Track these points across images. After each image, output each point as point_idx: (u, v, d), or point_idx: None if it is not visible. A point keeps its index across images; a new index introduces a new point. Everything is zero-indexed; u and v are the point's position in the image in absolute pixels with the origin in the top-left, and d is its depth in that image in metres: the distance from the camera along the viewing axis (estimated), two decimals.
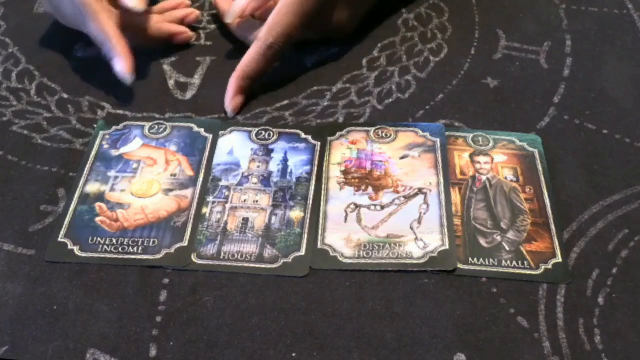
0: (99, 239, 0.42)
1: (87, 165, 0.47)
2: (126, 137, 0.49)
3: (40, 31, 0.58)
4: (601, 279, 0.41)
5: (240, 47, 0.57)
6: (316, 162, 0.47)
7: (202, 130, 0.49)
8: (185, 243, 0.42)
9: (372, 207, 0.44)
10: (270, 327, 0.38)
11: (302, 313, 0.39)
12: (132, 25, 0.53)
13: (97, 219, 0.44)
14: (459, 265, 0.41)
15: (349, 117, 0.51)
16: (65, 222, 0.43)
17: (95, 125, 0.50)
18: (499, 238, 0.43)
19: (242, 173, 0.46)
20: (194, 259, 0.41)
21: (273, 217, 0.44)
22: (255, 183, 0.46)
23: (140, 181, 0.46)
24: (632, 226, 0.44)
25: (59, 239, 0.42)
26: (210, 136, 0.49)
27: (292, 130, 0.49)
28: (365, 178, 0.46)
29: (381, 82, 0.54)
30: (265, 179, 0.46)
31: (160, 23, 0.56)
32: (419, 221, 0.43)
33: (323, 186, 0.46)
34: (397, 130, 0.49)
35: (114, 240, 0.42)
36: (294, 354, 0.37)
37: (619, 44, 0.57)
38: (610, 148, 0.49)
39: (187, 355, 0.37)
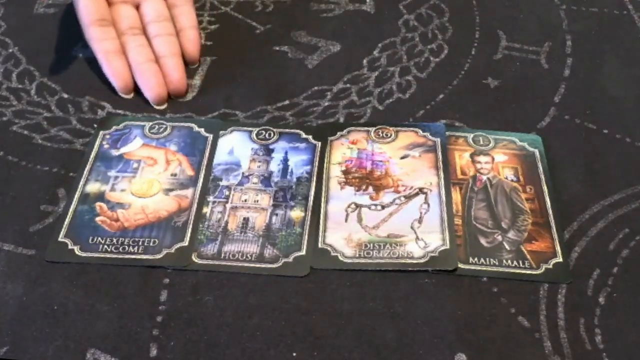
0: (99, 239, 0.42)
1: (88, 165, 0.47)
2: (126, 137, 0.49)
3: (40, 31, 0.58)
4: (602, 279, 0.41)
5: (241, 48, 0.57)
6: (317, 162, 0.47)
7: (202, 130, 0.49)
8: (185, 243, 0.42)
9: (373, 207, 0.44)
10: (271, 327, 0.38)
11: (302, 313, 0.39)
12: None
13: (98, 219, 0.43)
14: (460, 265, 0.41)
15: (349, 117, 0.51)
16: (66, 222, 0.43)
17: (95, 125, 0.50)
18: (499, 238, 0.43)
19: (243, 173, 0.46)
20: (194, 259, 0.41)
21: (274, 217, 0.44)
22: (256, 183, 0.46)
23: (141, 181, 0.46)
24: (633, 226, 0.44)
25: (60, 239, 0.42)
26: (210, 136, 0.49)
27: (292, 130, 0.49)
28: (365, 178, 0.46)
29: (382, 83, 0.54)
30: (265, 179, 0.46)
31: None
32: (420, 221, 0.43)
33: (324, 186, 0.46)
34: (397, 130, 0.49)
35: (114, 240, 0.42)
36: (294, 354, 0.37)
37: (619, 44, 0.57)
38: (610, 148, 0.49)
39: (187, 355, 0.37)
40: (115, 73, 0.51)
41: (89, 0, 0.51)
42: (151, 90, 0.51)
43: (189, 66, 0.54)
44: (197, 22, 0.55)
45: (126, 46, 0.52)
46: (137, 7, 0.55)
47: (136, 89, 0.52)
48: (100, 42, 0.52)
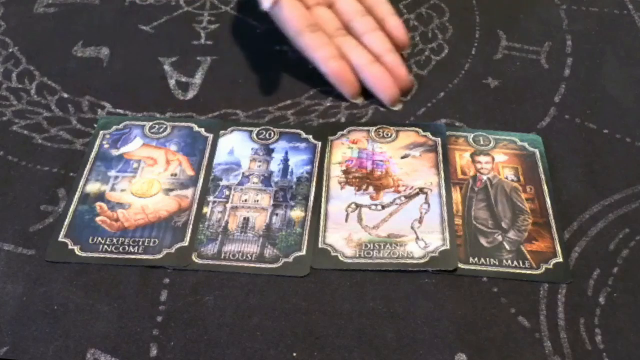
0: (99, 239, 0.42)
1: (88, 165, 0.47)
2: (126, 137, 0.49)
3: (40, 31, 0.58)
4: (602, 279, 0.41)
5: (241, 47, 0.57)
6: (317, 162, 0.47)
7: (202, 130, 0.49)
8: (186, 243, 0.42)
9: (373, 207, 0.44)
10: (271, 327, 0.38)
11: (302, 313, 0.39)
12: None
13: (98, 219, 0.43)
14: (460, 265, 0.41)
15: (351, 117, 0.51)
16: (66, 222, 0.43)
17: (95, 125, 0.50)
18: (500, 238, 0.43)
19: (243, 173, 0.46)
20: (194, 259, 0.41)
21: (274, 217, 0.44)
22: (256, 183, 0.46)
23: (141, 181, 0.46)
24: (633, 226, 0.44)
25: (60, 239, 0.42)
26: (210, 136, 0.49)
27: (292, 130, 0.49)
28: (366, 178, 0.46)
29: None
30: (266, 179, 0.46)
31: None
32: (420, 221, 0.43)
33: (324, 186, 0.46)
34: (398, 130, 0.49)
35: (114, 240, 0.42)
36: (294, 354, 0.37)
37: (619, 44, 0.57)
38: (610, 148, 0.49)
39: (187, 355, 0.37)
40: (343, 79, 0.50)
41: (293, 7, 0.50)
42: (387, 91, 0.50)
43: (401, 52, 0.53)
44: (393, 8, 0.53)
45: (342, 48, 0.51)
46: (330, 6, 0.53)
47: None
48: (317, 49, 0.50)
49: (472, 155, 0.47)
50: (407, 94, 0.52)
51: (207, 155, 0.47)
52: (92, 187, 0.45)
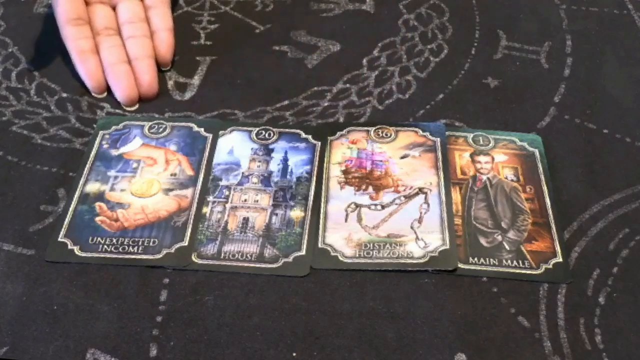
0: (99, 239, 0.42)
1: (87, 165, 0.47)
2: (126, 137, 0.49)
3: (40, 31, 0.58)
4: (602, 279, 0.41)
5: (240, 47, 0.57)
6: (317, 162, 0.47)
7: (202, 130, 0.49)
8: (185, 243, 0.42)
9: (373, 207, 0.44)
10: (271, 327, 0.38)
11: (302, 313, 0.39)
12: None
13: (98, 219, 0.43)
14: (460, 265, 0.41)
15: (349, 117, 0.51)
16: (66, 222, 0.43)
17: (95, 125, 0.50)
18: (499, 238, 0.43)
19: (243, 173, 0.46)
20: (194, 259, 0.41)
21: (274, 217, 0.44)
22: (256, 183, 0.46)
23: (141, 181, 0.46)
24: (633, 226, 0.44)
25: (59, 239, 0.42)
26: (210, 136, 0.49)
27: (292, 130, 0.49)
28: (365, 178, 0.46)
29: (382, 82, 0.53)
30: (265, 179, 0.46)
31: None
32: (420, 221, 0.43)
33: (323, 186, 0.46)
34: (397, 130, 0.49)
35: (114, 240, 0.42)
36: (294, 354, 0.37)
37: (619, 44, 0.57)
38: (610, 148, 0.49)
39: (187, 355, 0.37)
40: (88, 73, 0.51)
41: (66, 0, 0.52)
42: (121, 91, 0.51)
43: (161, 68, 0.54)
44: (172, 25, 0.55)
45: (100, 46, 0.52)
46: (114, 7, 0.55)
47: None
48: (74, 41, 0.52)
49: (471, 155, 0.47)
50: (152, 100, 0.52)
51: (206, 155, 0.47)
52: (92, 187, 0.45)
